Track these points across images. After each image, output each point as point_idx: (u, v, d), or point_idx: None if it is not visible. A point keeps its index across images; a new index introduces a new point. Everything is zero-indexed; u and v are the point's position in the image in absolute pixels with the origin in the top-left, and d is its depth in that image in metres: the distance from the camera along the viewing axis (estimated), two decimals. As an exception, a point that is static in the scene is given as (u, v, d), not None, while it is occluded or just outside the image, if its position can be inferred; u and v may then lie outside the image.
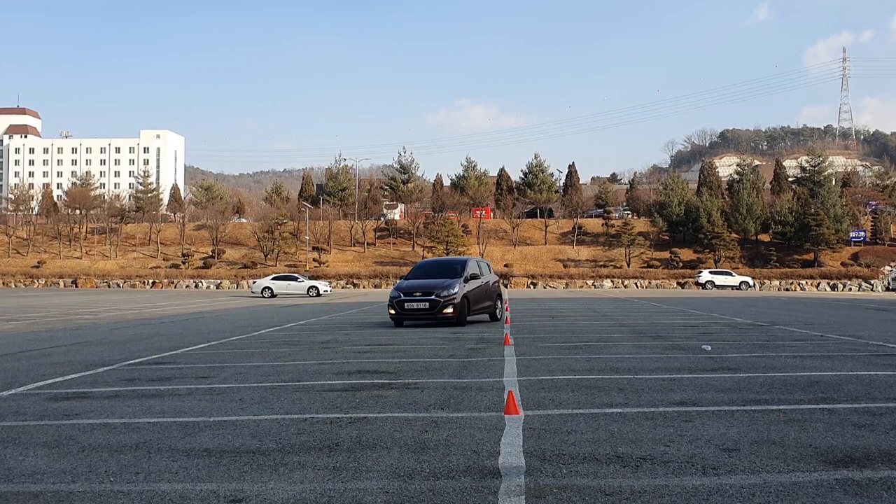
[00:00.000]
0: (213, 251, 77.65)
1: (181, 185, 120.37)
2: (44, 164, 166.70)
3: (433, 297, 16.29)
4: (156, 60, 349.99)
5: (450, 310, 16.27)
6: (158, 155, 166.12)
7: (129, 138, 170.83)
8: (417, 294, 16.48)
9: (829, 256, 70.96)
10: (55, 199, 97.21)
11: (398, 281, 17.83)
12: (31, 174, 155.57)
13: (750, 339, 13.31)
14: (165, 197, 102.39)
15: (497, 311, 18.86)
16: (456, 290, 16.49)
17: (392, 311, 16.64)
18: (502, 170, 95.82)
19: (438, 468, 4.55)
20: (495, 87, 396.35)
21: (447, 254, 73.44)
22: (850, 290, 62.43)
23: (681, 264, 70.32)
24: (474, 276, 17.60)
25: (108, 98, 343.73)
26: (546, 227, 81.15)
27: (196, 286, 68.95)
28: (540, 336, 14.16)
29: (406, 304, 16.41)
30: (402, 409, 6.55)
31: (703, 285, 60.90)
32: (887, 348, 11.60)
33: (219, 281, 69.69)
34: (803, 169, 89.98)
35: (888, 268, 65.84)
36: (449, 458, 4.80)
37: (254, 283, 47.57)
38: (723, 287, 60.16)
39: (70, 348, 12.45)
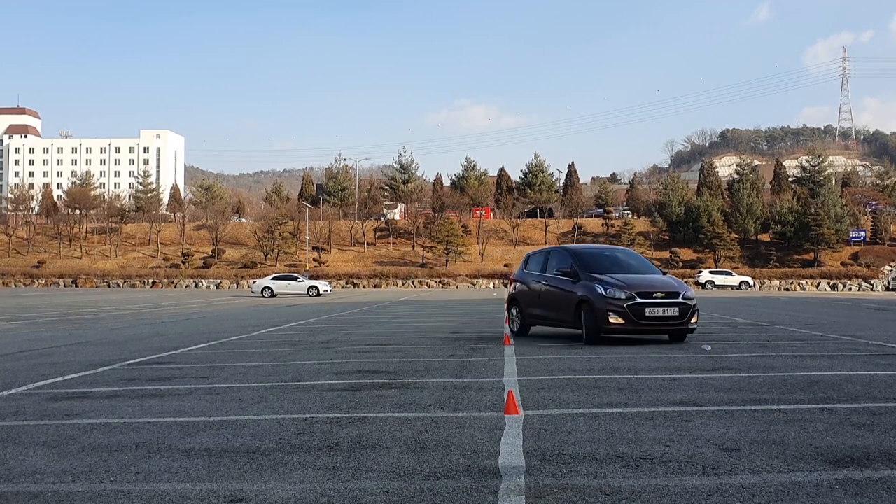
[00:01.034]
0: (213, 251, 77.64)
1: (181, 185, 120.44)
2: (44, 164, 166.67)
3: (681, 299, 11.85)
4: (156, 60, 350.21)
5: (696, 317, 12.19)
6: (158, 155, 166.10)
7: (129, 138, 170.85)
8: (658, 295, 11.79)
9: (829, 256, 70.99)
10: (55, 198, 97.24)
11: (585, 276, 12.35)
12: (31, 174, 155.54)
13: (750, 339, 13.30)
14: (165, 197, 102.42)
15: None
16: (692, 289, 12.55)
17: (619, 321, 11.59)
18: (502, 170, 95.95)
19: (438, 468, 4.55)
20: (495, 87, 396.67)
21: (447, 254, 73.21)
22: (850, 289, 62.44)
23: (681, 264, 70.30)
24: (664, 272, 13.65)
25: (108, 98, 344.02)
26: (546, 227, 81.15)
27: (196, 286, 68.96)
28: (540, 336, 14.15)
29: (647, 311, 11.59)
30: (402, 409, 6.55)
31: (703, 285, 60.90)
32: (887, 348, 11.60)
33: (219, 281, 69.70)
34: (803, 169, 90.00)
35: (888, 268, 65.83)
36: (449, 458, 4.80)
37: (254, 282, 47.59)
38: (723, 287, 60.18)
39: (70, 348, 12.45)
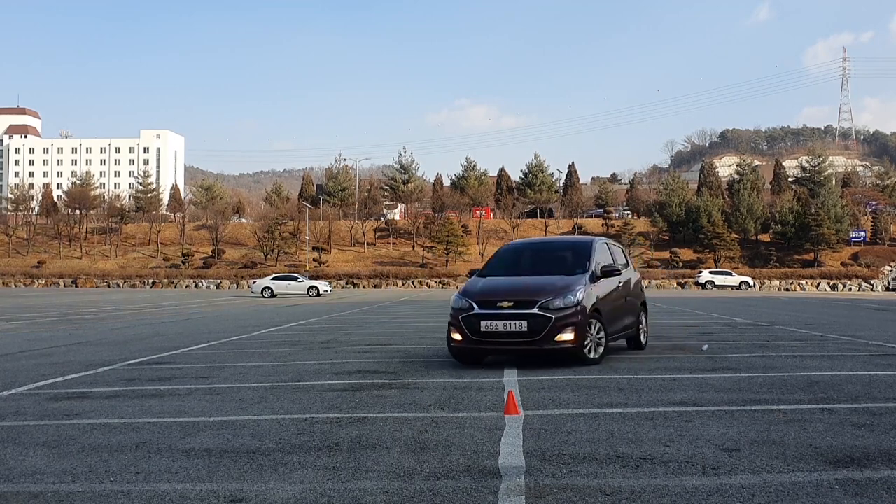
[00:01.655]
0: (213, 251, 77.64)
1: (181, 185, 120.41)
2: (44, 164, 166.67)
3: (536, 310, 8.86)
4: (156, 60, 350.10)
5: (568, 335, 8.88)
6: (158, 155, 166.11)
7: (129, 138, 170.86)
8: (505, 304, 9.00)
9: (829, 256, 71.03)
10: (55, 198, 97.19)
11: (467, 279, 10.50)
12: (31, 174, 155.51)
13: (750, 339, 13.31)
14: (165, 197, 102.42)
15: (642, 333, 11.34)
16: (578, 294, 9.08)
17: (457, 337, 9.29)
18: (502, 170, 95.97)
19: (438, 468, 4.55)
20: (495, 87, 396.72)
21: (447, 254, 73.10)
22: (850, 290, 62.45)
23: (681, 264, 70.36)
24: (609, 271, 10.08)
25: (108, 98, 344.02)
26: (546, 227, 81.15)
27: (196, 286, 68.98)
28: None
29: (483, 324, 8.96)
30: (402, 409, 6.56)
31: (703, 285, 60.93)
32: (887, 348, 11.60)
33: (219, 281, 69.72)
34: (803, 169, 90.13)
35: (888, 268, 65.85)
36: (449, 458, 4.80)
37: (254, 283, 47.59)
38: (723, 287, 60.20)
39: (70, 348, 12.45)
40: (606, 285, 9.87)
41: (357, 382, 8.25)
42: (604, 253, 10.53)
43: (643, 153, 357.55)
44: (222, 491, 4.16)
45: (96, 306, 29.27)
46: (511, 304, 9.01)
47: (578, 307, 9.00)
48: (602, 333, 9.44)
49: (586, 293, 9.19)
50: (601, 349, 9.42)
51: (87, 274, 72.39)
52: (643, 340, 11.43)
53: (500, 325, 8.93)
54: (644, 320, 11.52)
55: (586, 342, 9.14)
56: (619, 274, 10.39)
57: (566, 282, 9.33)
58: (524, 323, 8.87)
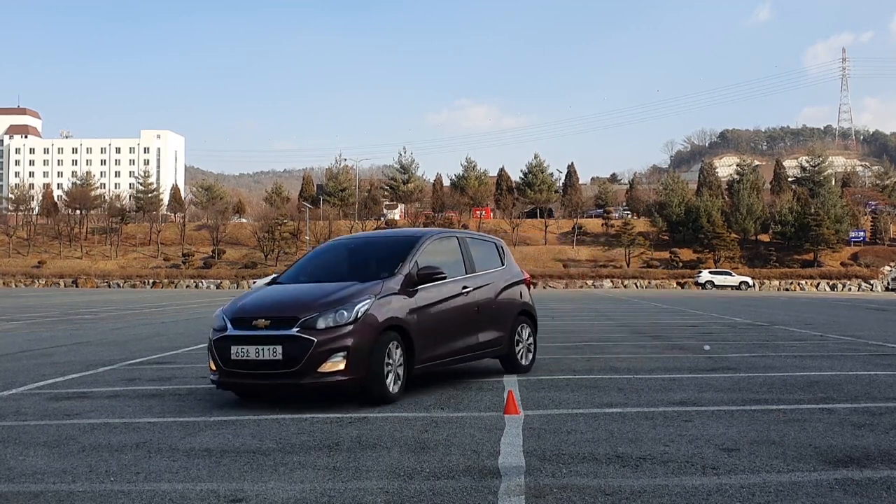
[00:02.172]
0: (213, 251, 77.65)
1: (181, 185, 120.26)
2: (44, 164, 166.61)
3: (295, 330, 6.56)
4: (156, 60, 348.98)
5: (338, 364, 6.52)
6: (158, 155, 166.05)
7: (129, 138, 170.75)
8: (261, 323, 6.71)
9: (829, 256, 71.02)
10: (55, 198, 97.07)
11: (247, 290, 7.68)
12: (31, 174, 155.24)
13: (749, 339, 13.32)
14: (166, 197, 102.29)
15: (521, 351, 8.89)
16: (359, 308, 6.74)
17: (212, 367, 6.96)
18: (502, 170, 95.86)
19: (438, 468, 4.56)
20: (495, 87, 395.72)
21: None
22: (850, 290, 62.44)
23: (681, 264, 70.33)
24: (430, 273, 7.47)
25: (108, 98, 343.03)
26: (546, 227, 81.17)
27: (196, 286, 68.99)
28: (539, 336, 14.14)
29: (234, 350, 6.67)
30: (402, 409, 6.56)
31: (703, 285, 60.94)
32: (887, 348, 11.61)
33: (219, 281, 69.73)
34: (803, 169, 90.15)
35: (888, 268, 65.87)
36: (449, 458, 4.81)
37: (254, 283, 47.62)
38: (722, 287, 60.21)
39: (70, 348, 12.45)
40: (432, 293, 7.47)
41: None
42: (436, 249, 8.02)
43: (643, 153, 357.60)
44: (222, 491, 4.16)
45: (96, 306, 29.27)
46: (268, 322, 6.68)
47: (355, 325, 6.61)
48: (402, 359, 6.99)
49: (377, 305, 6.81)
50: (401, 381, 6.97)
51: (87, 274, 72.38)
52: (524, 361, 8.88)
53: (252, 352, 6.58)
54: (526, 335, 9.02)
55: (378, 372, 6.67)
56: (457, 278, 7.92)
57: (349, 291, 6.93)
58: (279, 348, 6.52)
